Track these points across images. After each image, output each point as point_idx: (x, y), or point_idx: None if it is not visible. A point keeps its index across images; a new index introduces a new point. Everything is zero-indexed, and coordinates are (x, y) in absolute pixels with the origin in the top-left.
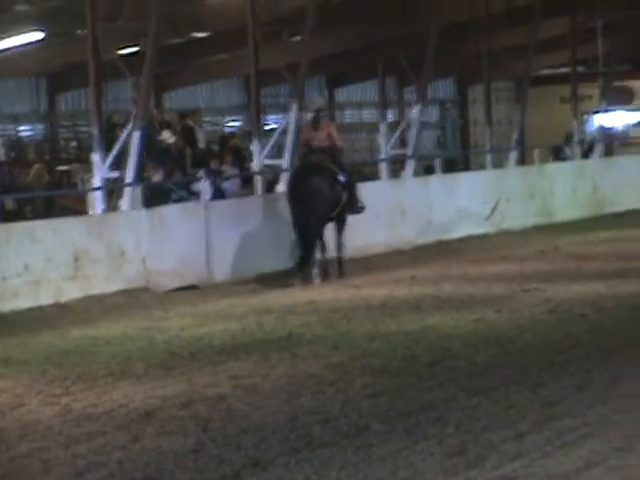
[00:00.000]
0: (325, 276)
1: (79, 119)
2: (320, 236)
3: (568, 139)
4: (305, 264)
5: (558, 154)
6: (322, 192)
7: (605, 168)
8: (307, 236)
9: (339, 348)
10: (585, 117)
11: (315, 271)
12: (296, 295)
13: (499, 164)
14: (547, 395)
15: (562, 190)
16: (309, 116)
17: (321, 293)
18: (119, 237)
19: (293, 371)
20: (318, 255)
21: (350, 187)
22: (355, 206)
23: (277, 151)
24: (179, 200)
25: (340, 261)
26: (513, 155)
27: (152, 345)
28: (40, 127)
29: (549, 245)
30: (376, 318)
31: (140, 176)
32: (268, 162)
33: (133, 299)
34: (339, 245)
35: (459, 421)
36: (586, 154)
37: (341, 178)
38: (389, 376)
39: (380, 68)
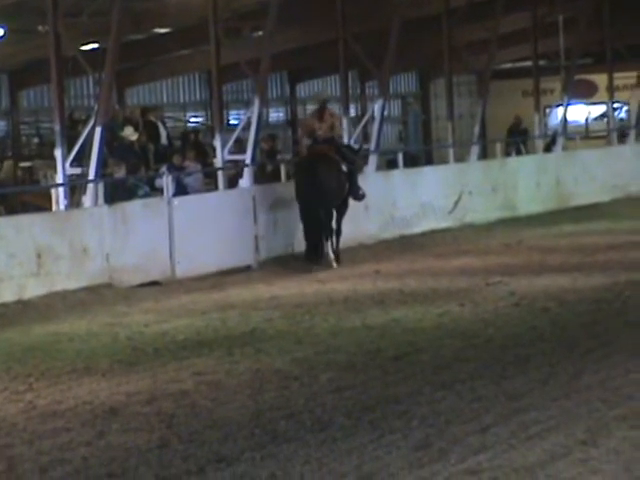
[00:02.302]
0: (338, 260)
1: (41, 115)
2: (329, 223)
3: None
4: (317, 252)
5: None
6: (329, 182)
7: (567, 162)
8: (316, 225)
9: (303, 343)
10: (547, 111)
11: (331, 256)
12: (259, 291)
13: (461, 158)
14: (511, 388)
15: (525, 184)
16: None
17: (284, 288)
18: (82, 234)
19: (257, 366)
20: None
21: (352, 176)
22: (357, 194)
23: (239, 146)
24: (144, 196)
25: (337, 248)
26: (475, 149)
27: (116, 341)
28: (2, 124)
29: (512, 239)
30: (340, 313)
31: (103, 172)
32: (230, 157)
33: (96, 295)
34: (337, 232)
35: (424, 415)
36: (548, 148)
37: (344, 168)
38: (354, 371)
39: (342, 63)
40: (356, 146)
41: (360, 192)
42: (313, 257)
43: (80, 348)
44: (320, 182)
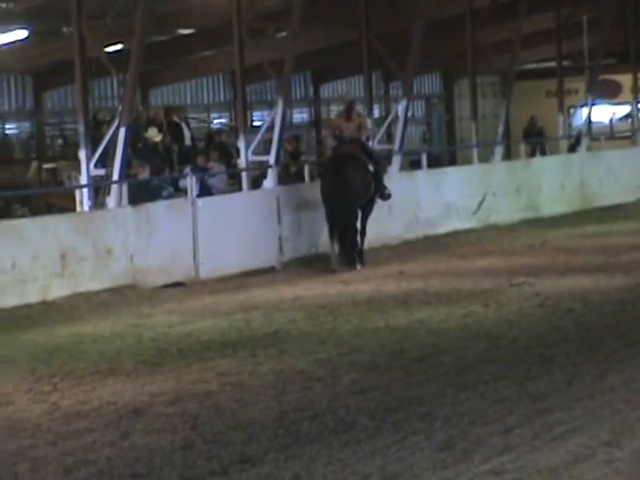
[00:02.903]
0: (362, 261)
1: (65, 117)
2: (355, 223)
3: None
4: (343, 252)
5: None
6: (355, 183)
7: (592, 162)
8: (342, 226)
9: (326, 344)
10: (572, 111)
11: (355, 257)
12: (282, 291)
13: (485, 159)
14: (535, 389)
15: (549, 184)
16: (341, 107)
17: (308, 289)
18: (106, 234)
19: (280, 367)
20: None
21: (377, 175)
22: (383, 193)
23: (263, 147)
24: (168, 197)
25: (361, 249)
26: (499, 150)
27: (140, 342)
28: (26, 125)
29: (537, 239)
30: (363, 314)
31: (127, 173)
32: (254, 158)
33: (120, 296)
34: (362, 232)
35: (447, 416)
36: (573, 148)
37: (370, 168)
38: (377, 372)
39: (365, 63)
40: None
41: (386, 191)
42: (341, 258)
43: (104, 349)
44: (346, 182)
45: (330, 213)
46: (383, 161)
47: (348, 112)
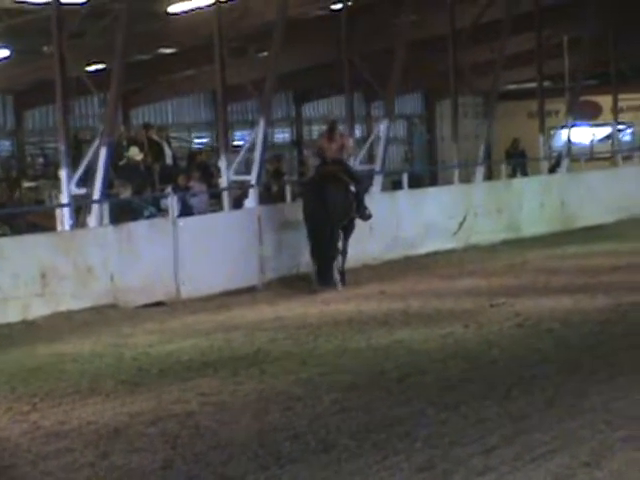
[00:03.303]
0: (343, 281)
1: (46, 135)
2: (336, 244)
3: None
4: (324, 272)
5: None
6: (337, 203)
7: (572, 183)
8: (324, 245)
9: (307, 364)
10: (552, 132)
11: (336, 277)
12: (263, 311)
13: (466, 179)
14: (516, 410)
15: (530, 205)
16: (324, 127)
17: (289, 309)
18: (87, 254)
19: (261, 387)
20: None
21: (359, 196)
22: (364, 213)
23: (245, 167)
24: (149, 217)
25: (343, 269)
26: (480, 170)
27: (120, 362)
28: (7, 144)
29: (517, 260)
30: (344, 334)
31: (108, 193)
32: (236, 178)
33: (101, 316)
34: (343, 252)
35: (428, 436)
36: (553, 169)
37: (352, 188)
38: (358, 392)
39: (347, 83)
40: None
41: (367, 212)
42: (322, 278)
43: (84, 369)
44: (328, 202)
45: (312, 233)
46: (367, 181)
47: (331, 132)
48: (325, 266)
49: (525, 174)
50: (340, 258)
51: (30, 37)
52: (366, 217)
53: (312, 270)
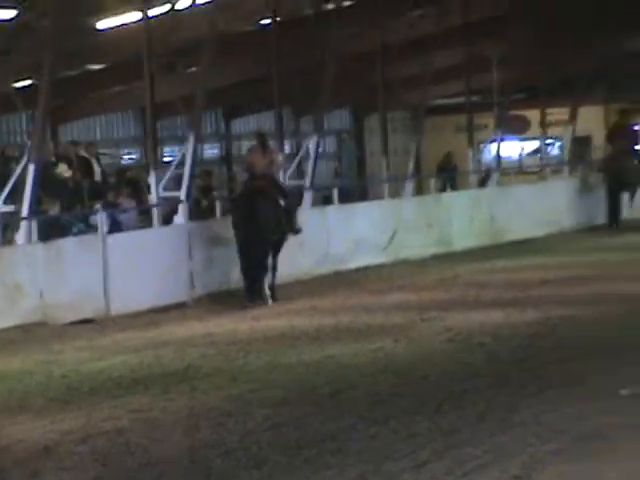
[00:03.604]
0: (274, 297)
1: None
2: (266, 259)
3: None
4: (254, 288)
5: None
6: (266, 217)
7: (501, 197)
8: (254, 261)
9: (238, 380)
10: (481, 146)
11: (267, 293)
12: (193, 328)
13: (396, 194)
14: (447, 424)
15: (459, 219)
16: (254, 142)
17: (219, 325)
18: (15, 271)
19: (192, 404)
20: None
21: (288, 210)
22: (293, 228)
23: (174, 183)
24: (78, 233)
25: (273, 284)
26: (410, 185)
27: (50, 379)
28: None
29: (447, 274)
30: (275, 349)
31: (37, 209)
32: (165, 194)
33: (30, 333)
34: (273, 268)
35: (359, 451)
36: (483, 183)
37: (281, 202)
38: (289, 407)
39: (276, 98)
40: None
41: (296, 227)
42: (252, 294)
43: (13, 386)
44: (258, 217)
45: (242, 249)
46: (297, 196)
47: (261, 147)
48: (255, 282)
49: (455, 188)
50: (270, 274)
51: None
52: (296, 232)
53: (243, 286)
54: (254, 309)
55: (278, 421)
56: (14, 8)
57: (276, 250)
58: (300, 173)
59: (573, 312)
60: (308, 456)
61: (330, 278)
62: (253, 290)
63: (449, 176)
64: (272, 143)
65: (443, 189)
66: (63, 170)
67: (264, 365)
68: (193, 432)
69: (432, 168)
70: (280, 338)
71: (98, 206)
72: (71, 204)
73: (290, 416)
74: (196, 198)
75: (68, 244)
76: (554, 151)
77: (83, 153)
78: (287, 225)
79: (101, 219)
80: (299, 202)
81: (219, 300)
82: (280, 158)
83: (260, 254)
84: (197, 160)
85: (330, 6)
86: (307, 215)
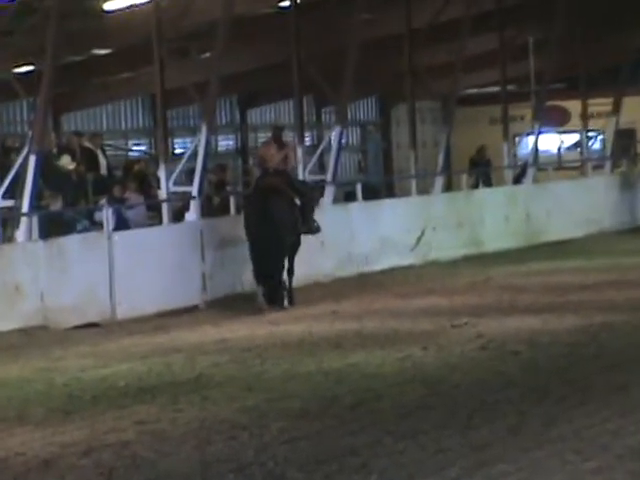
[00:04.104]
0: (292, 301)
1: None
2: (281, 262)
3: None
4: (271, 292)
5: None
6: (281, 218)
7: (538, 194)
8: (271, 265)
9: (253, 390)
10: (517, 139)
11: (284, 296)
12: (205, 333)
13: (425, 190)
14: (478, 439)
15: (493, 218)
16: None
17: (233, 330)
18: (14, 271)
19: (203, 415)
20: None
21: (305, 209)
22: (311, 227)
23: (186, 177)
24: (82, 231)
25: (290, 288)
26: (439, 180)
27: (51, 388)
28: None
29: (480, 277)
30: (293, 357)
31: (38, 204)
32: (176, 189)
33: (30, 338)
34: (290, 271)
35: (384, 468)
36: (518, 179)
37: (297, 201)
38: (308, 420)
39: (296, 87)
40: (311, 183)
41: (315, 225)
42: (269, 298)
43: (12, 395)
44: (273, 218)
45: (256, 252)
46: (313, 193)
47: (275, 141)
48: (272, 286)
49: (489, 184)
50: (287, 277)
51: None
52: (314, 231)
53: (257, 288)
54: (271, 313)
55: (296, 434)
56: None
57: (292, 252)
58: (321, 167)
59: (616, 318)
60: (328, 472)
61: (353, 280)
62: (270, 294)
63: (482, 171)
64: (291, 135)
65: (475, 185)
66: (66, 162)
67: (281, 374)
68: (204, 446)
69: (464, 163)
70: (299, 345)
71: (103, 201)
72: (74, 199)
73: (309, 429)
74: (209, 194)
75: (71, 242)
76: (595, 145)
77: (88, 144)
78: (304, 225)
79: (106, 215)
80: (317, 199)
81: (233, 304)
82: (299, 154)
83: (275, 257)
84: (210, 152)
85: None
86: (329, 213)
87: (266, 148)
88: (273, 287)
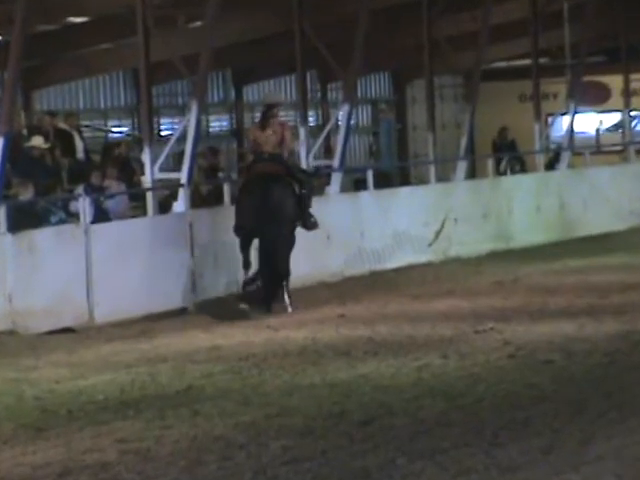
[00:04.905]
0: (291, 303)
1: None
2: (288, 259)
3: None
4: (274, 293)
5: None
6: (283, 208)
7: (574, 182)
8: (277, 261)
9: (250, 404)
10: (550, 120)
11: (287, 298)
12: (196, 339)
13: (445, 177)
14: (506, 459)
15: (522, 208)
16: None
17: (227, 336)
18: None
19: (194, 432)
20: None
21: (303, 200)
22: (307, 222)
23: (174, 162)
24: (57, 223)
25: (287, 289)
26: (462, 166)
27: (21, 401)
28: None
29: (507, 276)
30: (296, 367)
31: (5, 194)
32: (162, 175)
33: None
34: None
35: None
36: (551, 164)
37: (296, 190)
38: (312, 438)
39: (299, 60)
40: (311, 169)
41: (311, 219)
42: (271, 299)
43: None
44: (273, 207)
45: (244, 245)
46: (319, 181)
47: (265, 120)
48: (275, 286)
49: (523, 170)
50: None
51: None
52: (310, 226)
53: (255, 287)
54: (270, 317)
55: (299, 454)
56: None
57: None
58: (327, 151)
59: None
60: None
61: (363, 280)
62: (274, 295)
63: (512, 156)
64: (292, 114)
65: (504, 172)
66: (38, 144)
67: (282, 386)
68: (195, 467)
69: (489, 146)
70: (301, 353)
71: (80, 190)
72: (47, 187)
73: (313, 449)
74: (199, 181)
75: (43, 236)
76: (639, 126)
77: (62, 125)
78: (299, 218)
79: (83, 205)
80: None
81: (227, 306)
82: (302, 135)
83: (282, 254)
84: (201, 134)
85: None
86: (336, 203)
87: (256, 130)
88: (276, 288)
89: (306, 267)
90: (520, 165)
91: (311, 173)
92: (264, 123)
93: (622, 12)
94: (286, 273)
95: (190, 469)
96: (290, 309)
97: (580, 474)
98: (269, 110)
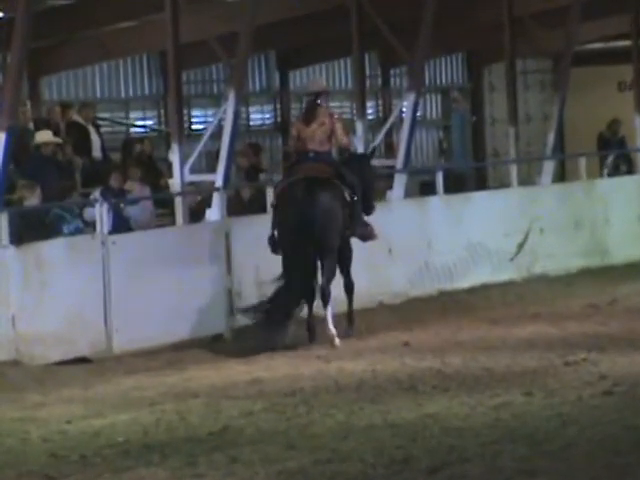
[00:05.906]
0: (351, 329)
1: None
2: (315, 279)
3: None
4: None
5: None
6: (335, 217)
7: None
8: (306, 282)
9: (297, 448)
10: None
11: (331, 329)
12: (233, 371)
13: (529, 180)
14: None
15: (621, 217)
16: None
17: (270, 368)
18: None
19: None
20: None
21: (355, 208)
22: (363, 232)
23: (207, 162)
24: (69, 233)
25: (350, 312)
26: (549, 166)
27: (26, 444)
28: None
29: (603, 297)
30: (351, 404)
31: (8, 198)
32: (194, 178)
33: None
34: (348, 288)
35: None
36: None
37: (347, 197)
38: None
39: (355, 40)
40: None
41: (368, 229)
42: (276, 328)
43: None
44: (322, 218)
45: (290, 262)
46: (382, 184)
47: (310, 112)
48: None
49: (630, 172)
50: (347, 296)
51: None
52: (367, 237)
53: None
54: (320, 347)
55: None
56: None
57: (345, 262)
58: (389, 148)
59: None
60: None
61: (432, 301)
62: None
63: (619, 154)
64: (346, 106)
65: (610, 173)
66: (46, 139)
67: (335, 427)
68: None
69: (582, 142)
70: (358, 388)
71: (96, 194)
72: (63, 189)
73: None
74: (238, 184)
75: (53, 249)
76: None
77: (76, 118)
78: (352, 228)
79: (100, 212)
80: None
81: (269, 332)
82: (359, 130)
83: (329, 270)
84: (240, 129)
85: None
86: (399, 210)
87: (301, 123)
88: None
89: (364, 285)
90: (627, 165)
91: (367, 155)
92: (308, 116)
93: None
94: (350, 290)
95: None
96: (337, 341)
97: None
98: (315, 99)
